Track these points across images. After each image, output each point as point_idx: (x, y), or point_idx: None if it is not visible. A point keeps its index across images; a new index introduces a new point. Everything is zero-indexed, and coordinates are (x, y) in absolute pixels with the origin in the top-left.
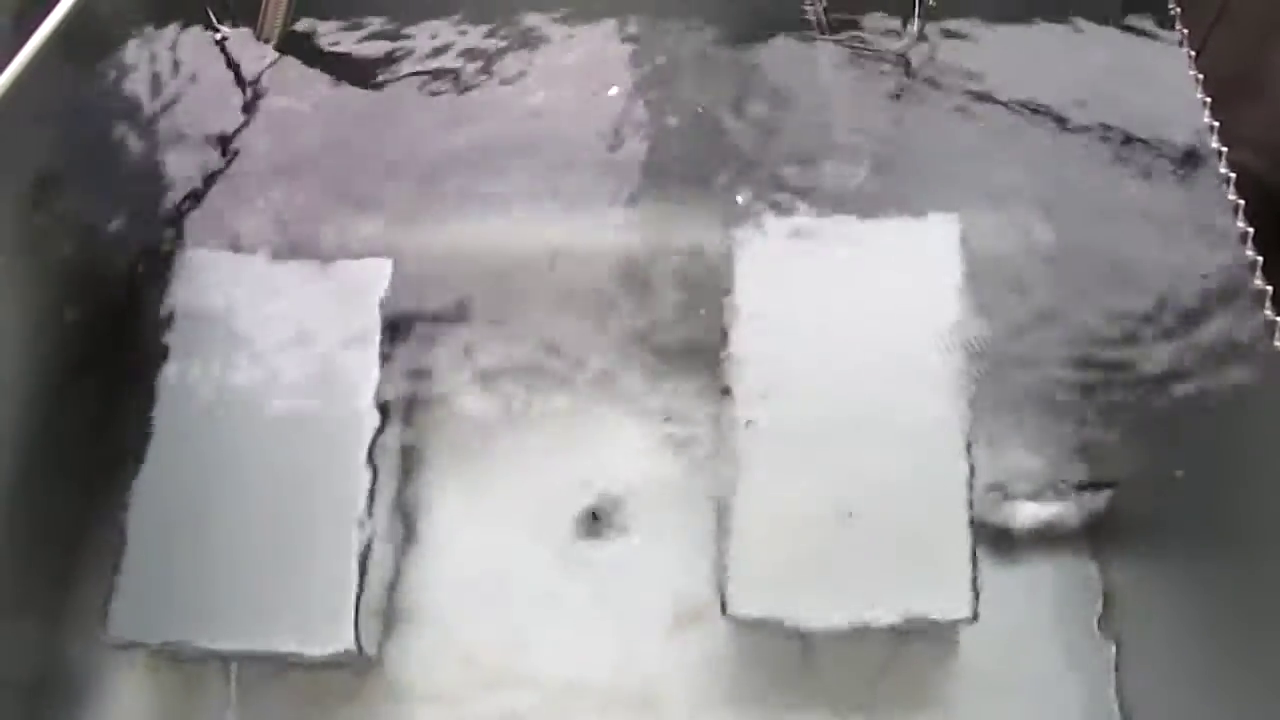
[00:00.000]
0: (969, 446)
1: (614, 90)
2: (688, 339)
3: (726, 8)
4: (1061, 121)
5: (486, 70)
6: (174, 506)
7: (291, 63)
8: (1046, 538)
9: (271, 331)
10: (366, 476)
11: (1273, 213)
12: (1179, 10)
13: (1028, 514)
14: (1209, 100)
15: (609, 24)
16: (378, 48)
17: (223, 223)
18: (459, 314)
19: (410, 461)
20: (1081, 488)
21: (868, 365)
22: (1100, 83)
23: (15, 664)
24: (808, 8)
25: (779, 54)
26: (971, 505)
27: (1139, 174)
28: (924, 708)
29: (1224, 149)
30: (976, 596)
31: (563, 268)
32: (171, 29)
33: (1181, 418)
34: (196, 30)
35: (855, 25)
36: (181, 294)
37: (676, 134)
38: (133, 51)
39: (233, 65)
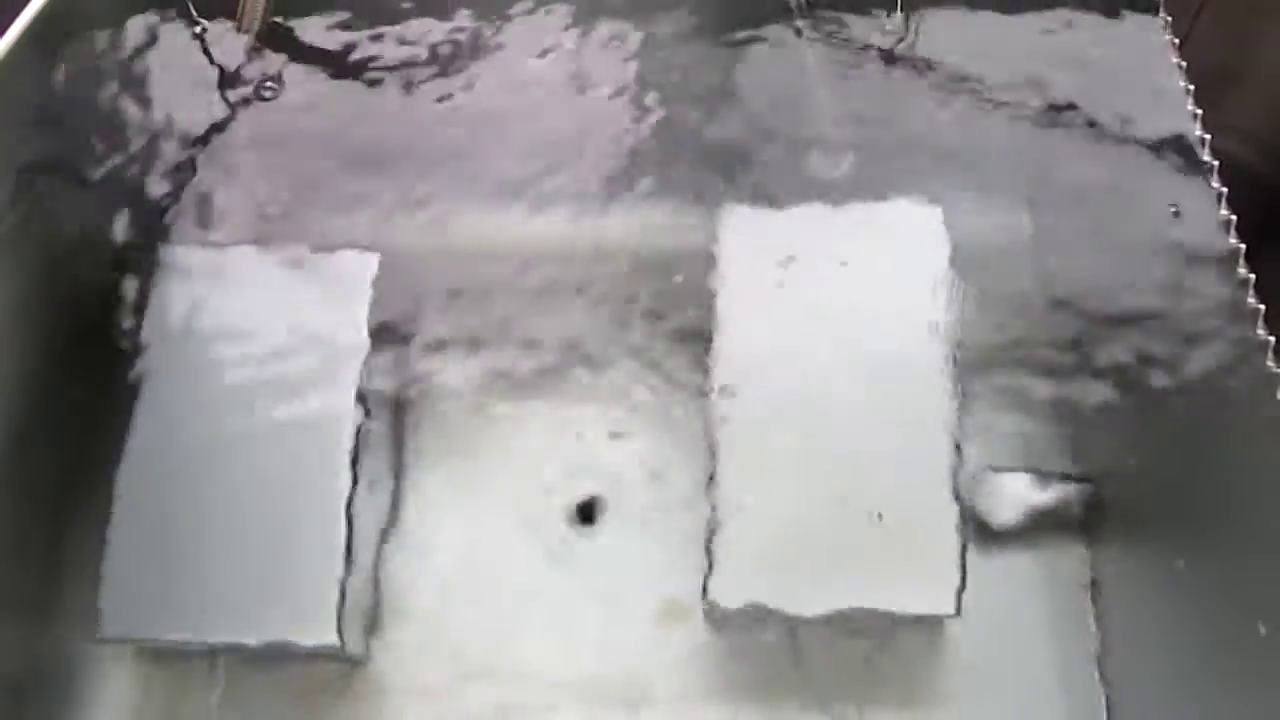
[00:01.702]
0: (955, 435)
1: (596, 81)
2: (674, 330)
3: None
4: (1044, 109)
5: (470, 63)
6: (158, 502)
7: (272, 56)
8: (1035, 528)
9: (254, 325)
10: (351, 470)
11: (1255, 200)
12: None
13: (1016, 504)
14: (1192, 88)
15: (591, 13)
16: (360, 40)
17: (204, 217)
18: (445, 308)
19: (396, 455)
20: (1070, 477)
21: (852, 354)
22: (1083, 70)
23: (1, 660)
24: None
25: (761, 43)
26: (959, 495)
27: (1122, 161)
28: (911, 699)
29: (1207, 136)
30: (963, 588)
31: (548, 261)
32: (149, 22)
33: (1170, 406)
34: (175, 23)
35: (837, 12)
36: (163, 289)
37: (659, 125)
38: (111, 45)
39: (212, 58)
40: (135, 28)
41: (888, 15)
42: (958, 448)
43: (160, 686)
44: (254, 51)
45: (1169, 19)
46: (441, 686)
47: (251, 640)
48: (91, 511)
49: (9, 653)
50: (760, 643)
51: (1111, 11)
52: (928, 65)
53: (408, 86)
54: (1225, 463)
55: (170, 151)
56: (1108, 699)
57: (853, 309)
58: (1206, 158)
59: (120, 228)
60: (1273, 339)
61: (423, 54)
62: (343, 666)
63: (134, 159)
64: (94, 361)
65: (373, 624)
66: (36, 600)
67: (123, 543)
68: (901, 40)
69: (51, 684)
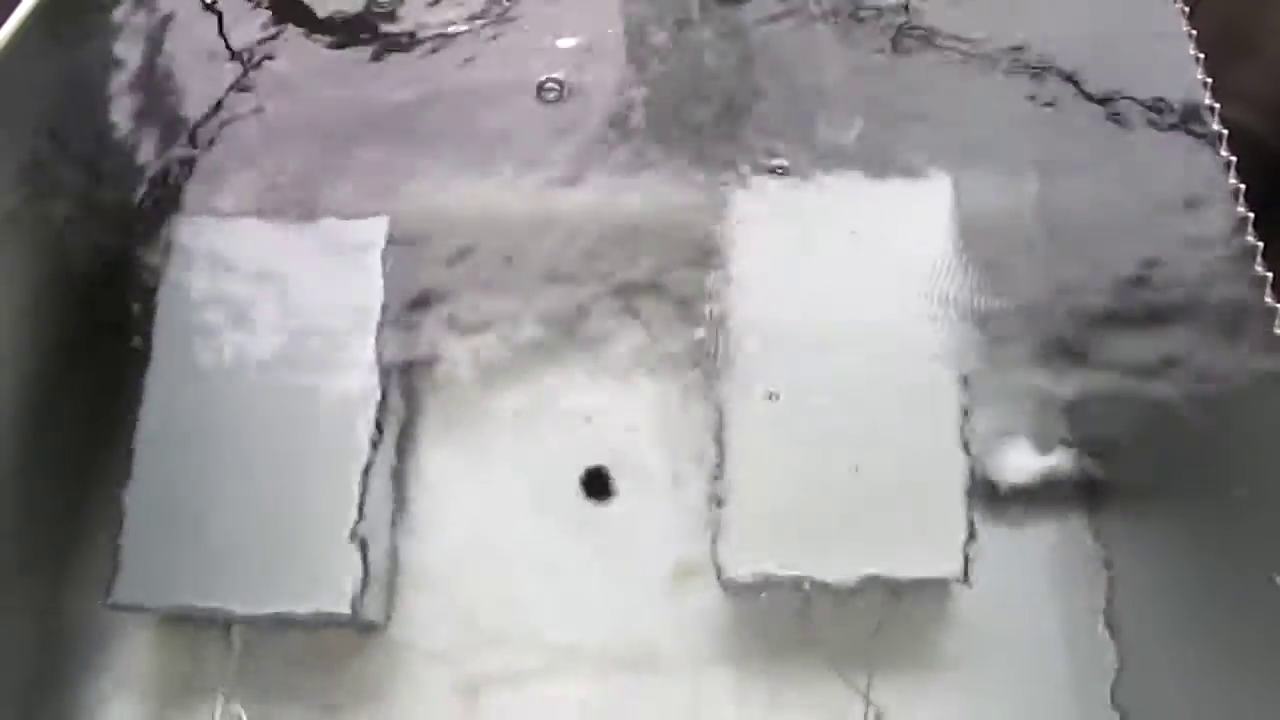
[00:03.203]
0: (964, 405)
1: (605, 50)
2: (683, 299)
3: None
4: (1053, 77)
5: (481, 32)
6: (174, 472)
7: (283, 25)
8: (1042, 497)
9: (267, 294)
10: (365, 438)
11: (1265, 169)
12: None
13: (1024, 473)
14: (1202, 56)
15: None
16: (370, 10)
17: (216, 187)
18: (455, 276)
19: (408, 423)
20: (1078, 447)
21: (860, 324)
22: (1093, 39)
23: (18, 629)
24: None
25: (771, 12)
26: (967, 463)
27: (1132, 131)
28: (919, 664)
29: (1216, 105)
30: (972, 554)
31: (558, 230)
32: None
33: (1175, 374)
34: None
35: None
36: (175, 259)
37: (667, 95)
38: (121, 15)
39: (223, 28)
40: None
41: None
42: (965, 415)
43: (176, 653)
44: (265, 22)
45: None
46: (454, 652)
47: (266, 608)
48: (109, 480)
49: (27, 621)
50: (769, 609)
51: None
52: (936, 34)
53: (418, 55)
54: (1229, 428)
55: (182, 122)
56: (1115, 663)
57: (862, 279)
58: (1216, 126)
59: (132, 200)
60: None
61: (433, 22)
62: (357, 633)
63: (146, 131)
64: (108, 335)
65: (387, 591)
66: (53, 568)
67: (139, 513)
68: (910, 9)
69: (69, 652)
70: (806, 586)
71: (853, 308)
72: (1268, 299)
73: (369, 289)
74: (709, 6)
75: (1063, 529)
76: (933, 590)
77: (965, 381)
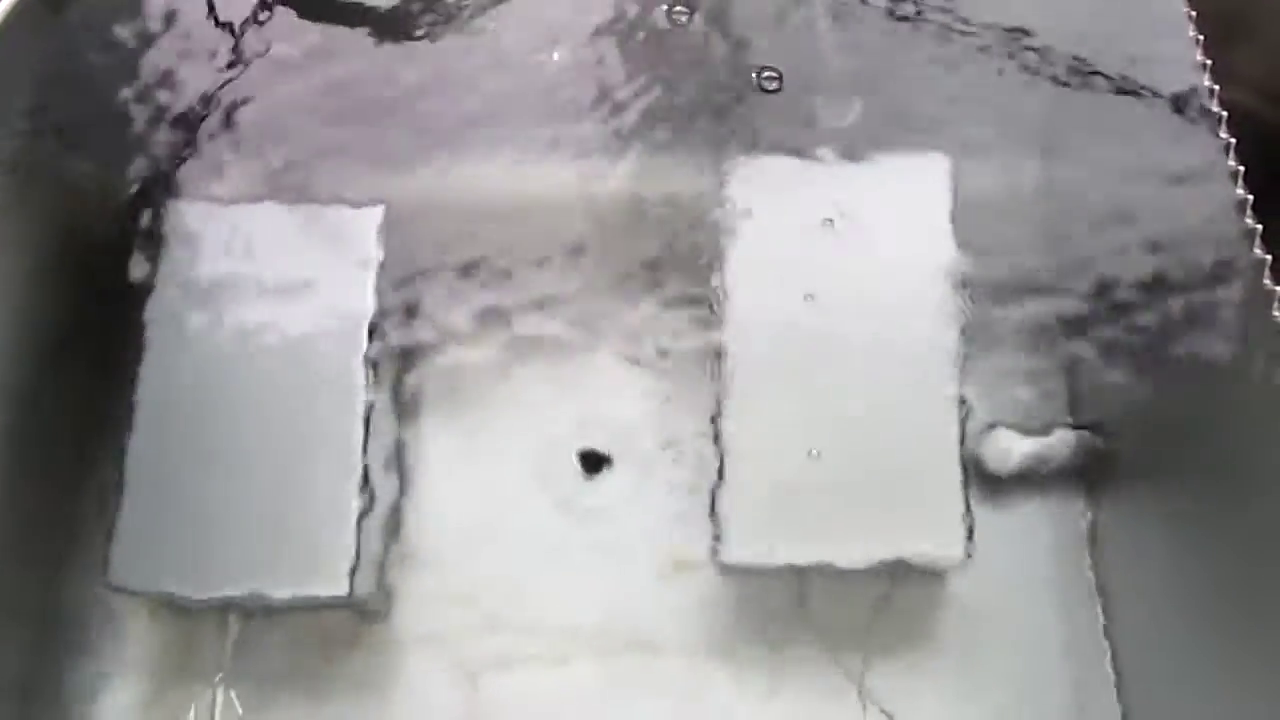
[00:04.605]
0: (960, 387)
1: (602, 29)
2: (681, 283)
3: None
4: (1052, 59)
5: (480, 13)
6: (171, 455)
7: (279, 9)
8: (1039, 478)
9: (263, 279)
10: (363, 422)
11: (1264, 151)
12: None
13: (1020, 454)
14: (1202, 38)
15: None
16: None
17: (212, 171)
18: (452, 260)
19: (406, 408)
20: (1075, 427)
21: (858, 306)
22: (1093, 21)
23: (15, 613)
24: None
25: None
26: (964, 445)
27: (1130, 111)
28: (916, 648)
29: (1216, 87)
30: (970, 537)
31: (556, 212)
32: None
33: (1173, 357)
34: None
35: None
36: (171, 243)
37: (665, 77)
38: None
39: (220, 10)
40: None
41: None
42: (962, 399)
43: (173, 637)
44: (262, 3)
45: None
46: (453, 637)
47: (264, 591)
48: (106, 464)
49: (24, 605)
50: (767, 593)
51: None
52: (935, 14)
53: (417, 38)
54: (1227, 413)
55: (177, 105)
56: (1111, 647)
57: (859, 261)
58: (1215, 108)
59: (128, 184)
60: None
61: (433, 3)
62: (355, 617)
63: (140, 114)
64: (104, 319)
65: (385, 575)
66: (51, 553)
67: (136, 496)
68: None
69: (65, 636)
70: (800, 569)
71: (850, 289)
72: (1266, 282)
73: (366, 273)
74: None
75: (1060, 511)
76: (930, 575)
77: (963, 363)
